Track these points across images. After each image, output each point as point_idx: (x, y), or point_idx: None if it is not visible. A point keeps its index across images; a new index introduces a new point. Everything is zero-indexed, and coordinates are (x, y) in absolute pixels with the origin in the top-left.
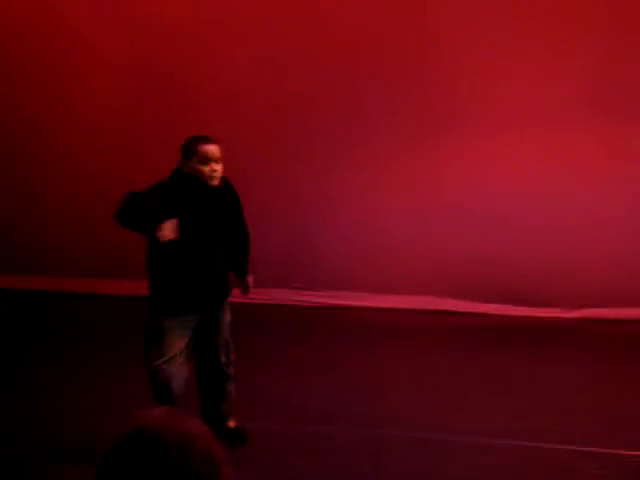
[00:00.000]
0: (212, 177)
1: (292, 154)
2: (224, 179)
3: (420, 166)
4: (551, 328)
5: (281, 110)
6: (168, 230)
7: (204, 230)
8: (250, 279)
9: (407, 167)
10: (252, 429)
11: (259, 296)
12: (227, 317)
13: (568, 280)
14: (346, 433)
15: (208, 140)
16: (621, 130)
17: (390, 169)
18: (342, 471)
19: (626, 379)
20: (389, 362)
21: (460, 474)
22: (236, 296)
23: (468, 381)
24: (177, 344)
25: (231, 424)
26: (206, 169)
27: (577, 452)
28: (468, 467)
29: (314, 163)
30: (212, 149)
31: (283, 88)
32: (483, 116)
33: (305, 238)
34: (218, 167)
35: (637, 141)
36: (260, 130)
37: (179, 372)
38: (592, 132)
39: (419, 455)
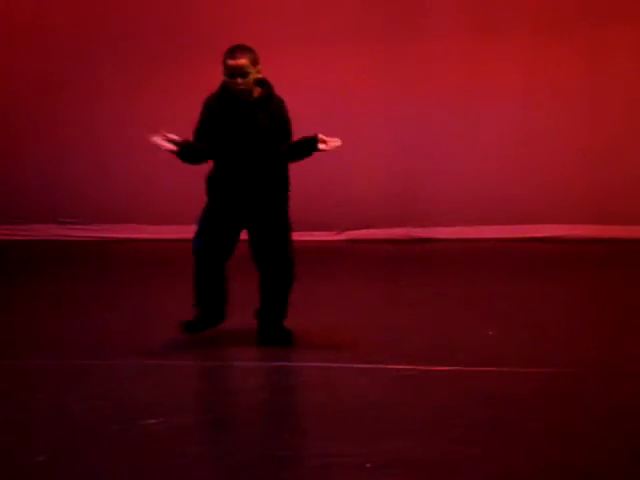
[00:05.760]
0: (237, 91)
1: (44, 87)
2: (269, 97)
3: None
4: (324, 251)
5: None
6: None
7: (236, 142)
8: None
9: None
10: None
11: (26, 232)
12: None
13: (338, 202)
14: (123, 364)
15: (234, 53)
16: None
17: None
18: (118, 399)
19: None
20: (160, 293)
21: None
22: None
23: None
24: None
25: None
26: (230, 83)
27: (353, 369)
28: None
29: (68, 95)
30: (235, 65)
31: None
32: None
33: (68, 171)
34: (242, 81)
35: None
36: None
37: None
38: (362, 54)
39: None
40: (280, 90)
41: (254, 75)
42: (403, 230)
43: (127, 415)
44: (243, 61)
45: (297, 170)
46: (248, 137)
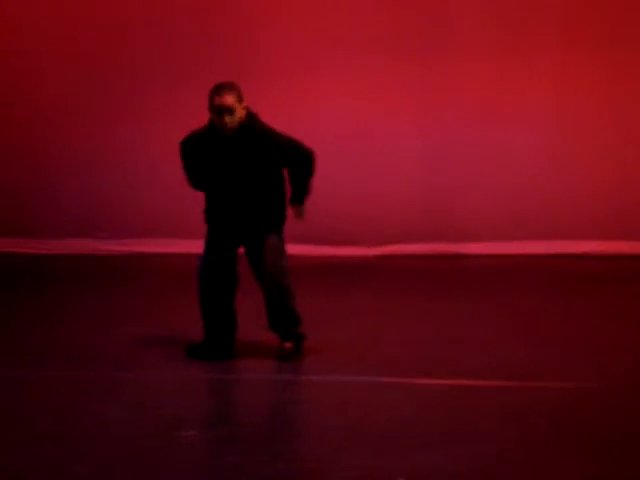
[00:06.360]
0: (224, 129)
1: (77, 108)
2: (250, 127)
3: None
4: (355, 266)
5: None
6: None
7: (224, 174)
8: (299, 208)
9: None
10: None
11: (59, 247)
12: (268, 246)
13: (369, 219)
14: (155, 376)
15: (221, 92)
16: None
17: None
18: (153, 411)
19: (426, 312)
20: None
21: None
22: (32, 248)
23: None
24: None
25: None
26: (217, 121)
27: (382, 383)
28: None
29: (100, 114)
30: (222, 104)
31: None
32: (288, 56)
33: (101, 186)
34: (229, 119)
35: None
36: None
37: None
38: (394, 70)
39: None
40: (311, 105)
41: (240, 112)
42: (434, 246)
43: (162, 427)
44: (230, 100)
45: (329, 186)
46: (238, 165)
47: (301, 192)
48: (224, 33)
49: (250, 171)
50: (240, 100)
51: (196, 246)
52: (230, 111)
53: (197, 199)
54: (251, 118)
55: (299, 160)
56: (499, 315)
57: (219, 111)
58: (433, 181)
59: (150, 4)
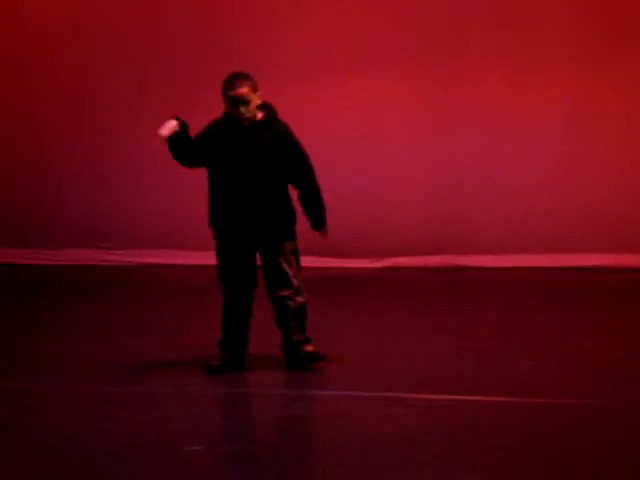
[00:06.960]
0: (241, 120)
1: (92, 120)
2: (272, 119)
3: None
4: (358, 278)
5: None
6: (165, 128)
7: (236, 168)
8: (321, 232)
9: None
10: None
11: (63, 257)
12: (278, 253)
13: (374, 231)
14: (160, 391)
15: (234, 82)
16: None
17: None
18: (158, 426)
19: (432, 326)
20: (195, 319)
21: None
22: (37, 259)
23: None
24: None
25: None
26: (233, 112)
27: (388, 398)
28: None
29: (105, 124)
30: (236, 95)
31: None
32: (297, 63)
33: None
34: (245, 110)
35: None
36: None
37: None
38: (400, 79)
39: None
40: (315, 115)
41: (255, 102)
42: (442, 258)
43: (168, 442)
44: (244, 90)
45: (335, 197)
46: (255, 157)
47: (317, 216)
48: (234, 38)
49: (263, 164)
50: (254, 89)
51: (203, 258)
52: (245, 102)
53: (203, 210)
54: (272, 111)
55: (302, 167)
56: (505, 329)
57: (234, 102)
58: (439, 194)
59: (157, 7)
